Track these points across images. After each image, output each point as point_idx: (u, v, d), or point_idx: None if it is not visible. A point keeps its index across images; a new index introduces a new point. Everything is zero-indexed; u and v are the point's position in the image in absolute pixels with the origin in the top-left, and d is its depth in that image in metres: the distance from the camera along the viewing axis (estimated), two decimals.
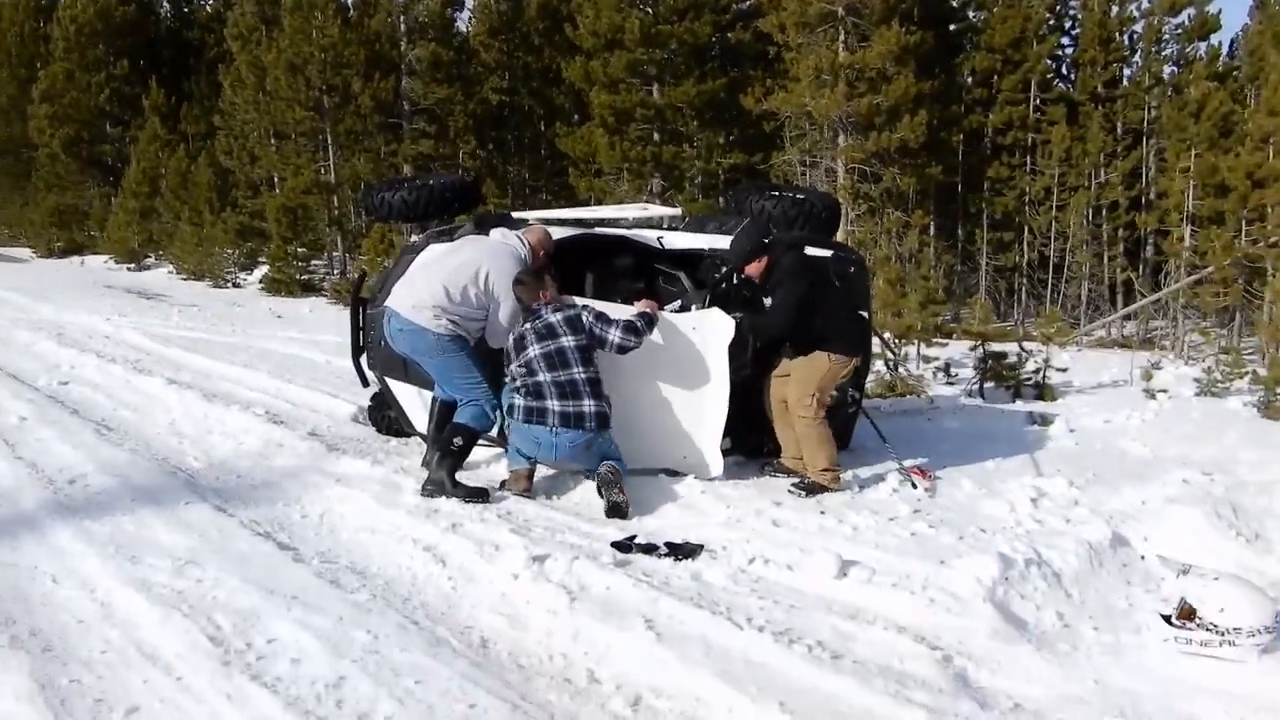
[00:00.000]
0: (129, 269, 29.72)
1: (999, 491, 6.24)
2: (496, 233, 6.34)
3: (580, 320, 5.91)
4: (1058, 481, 6.40)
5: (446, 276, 5.97)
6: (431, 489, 5.78)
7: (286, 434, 7.22)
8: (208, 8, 40.97)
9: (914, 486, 6.29)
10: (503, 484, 5.99)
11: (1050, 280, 21.80)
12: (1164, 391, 10.32)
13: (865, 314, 7.00)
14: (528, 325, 5.90)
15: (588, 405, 5.77)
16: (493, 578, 4.65)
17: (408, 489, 5.93)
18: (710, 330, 6.04)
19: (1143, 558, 5.22)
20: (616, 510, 5.55)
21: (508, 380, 5.97)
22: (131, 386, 9.11)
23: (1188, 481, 6.41)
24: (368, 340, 7.07)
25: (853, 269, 6.95)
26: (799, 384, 6.20)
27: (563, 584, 4.51)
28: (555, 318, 5.89)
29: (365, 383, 7.24)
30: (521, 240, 6.25)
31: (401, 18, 27.01)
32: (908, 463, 6.59)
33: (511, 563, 4.70)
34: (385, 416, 7.35)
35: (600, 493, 5.67)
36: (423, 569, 4.81)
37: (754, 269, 6.23)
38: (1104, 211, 22.40)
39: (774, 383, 6.40)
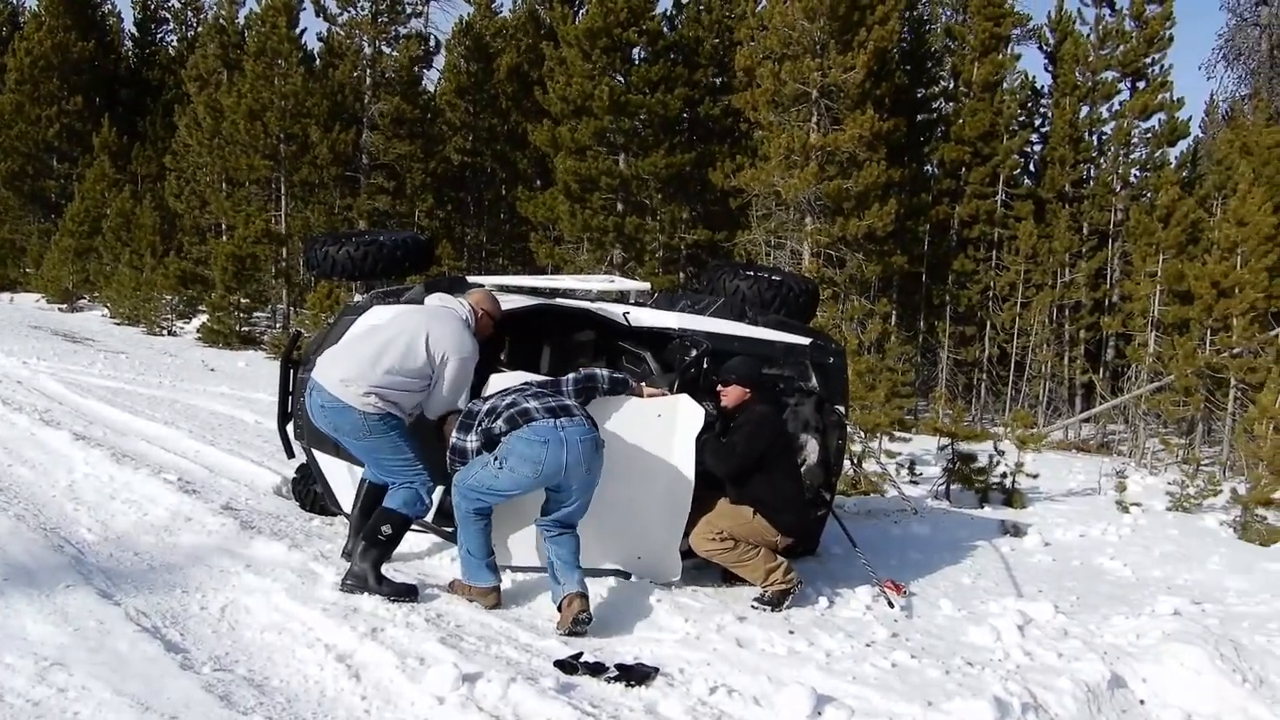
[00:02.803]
0: (60, 309, 28.55)
1: (981, 614, 5.79)
2: (434, 298, 5.67)
3: (532, 381, 5.38)
4: (1043, 606, 5.94)
5: (379, 348, 5.26)
6: (353, 584, 5.09)
7: (197, 506, 6.48)
8: (170, 49, 40.43)
9: (890, 604, 5.77)
10: (452, 584, 5.30)
11: (1011, 378, 21.57)
12: (1137, 505, 9.94)
13: (841, 408, 6.51)
14: (485, 402, 5.21)
15: (579, 413, 5.11)
16: (414, 699, 4.01)
17: (326, 581, 5.25)
18: (678, 418, 5.47)
19: (1142, 702, 4.78)
20: (578, 625, 4.86)
21: (472, 443, 5.15)
22: (35, 440, 8.30)
23: (1180, 613, 6.00)
24: (296, 406, 6.39)
25: (832, 359, 6.50)
26: (708, 518, 5.62)
27: (495, 713, 3.88)
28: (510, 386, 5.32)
29: (290, 453, 6.56)
30: (462, 303, 5.59)
31: (367, 71, 26.66)
32: (879, 574, 6.08)
33: (437, 682, 4.06)
34: (311, 491, 6.70)
35: (560, 602, 4.96)
36: (333, 684, 4.13)
37: (734, 396, 5.77)
38: (1067, 311, 22.30)
39: None
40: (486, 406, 5.14)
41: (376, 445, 5.27)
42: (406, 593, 5.08)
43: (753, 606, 5.49)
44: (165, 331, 24.61)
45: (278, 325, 25.26)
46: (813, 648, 4.95)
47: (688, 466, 5.44)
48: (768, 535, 5.62)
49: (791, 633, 5.14)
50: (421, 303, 5.69)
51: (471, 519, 5.14)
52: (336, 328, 6.09)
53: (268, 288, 25.99)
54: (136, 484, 6.95)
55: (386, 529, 5.21)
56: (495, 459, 5.02)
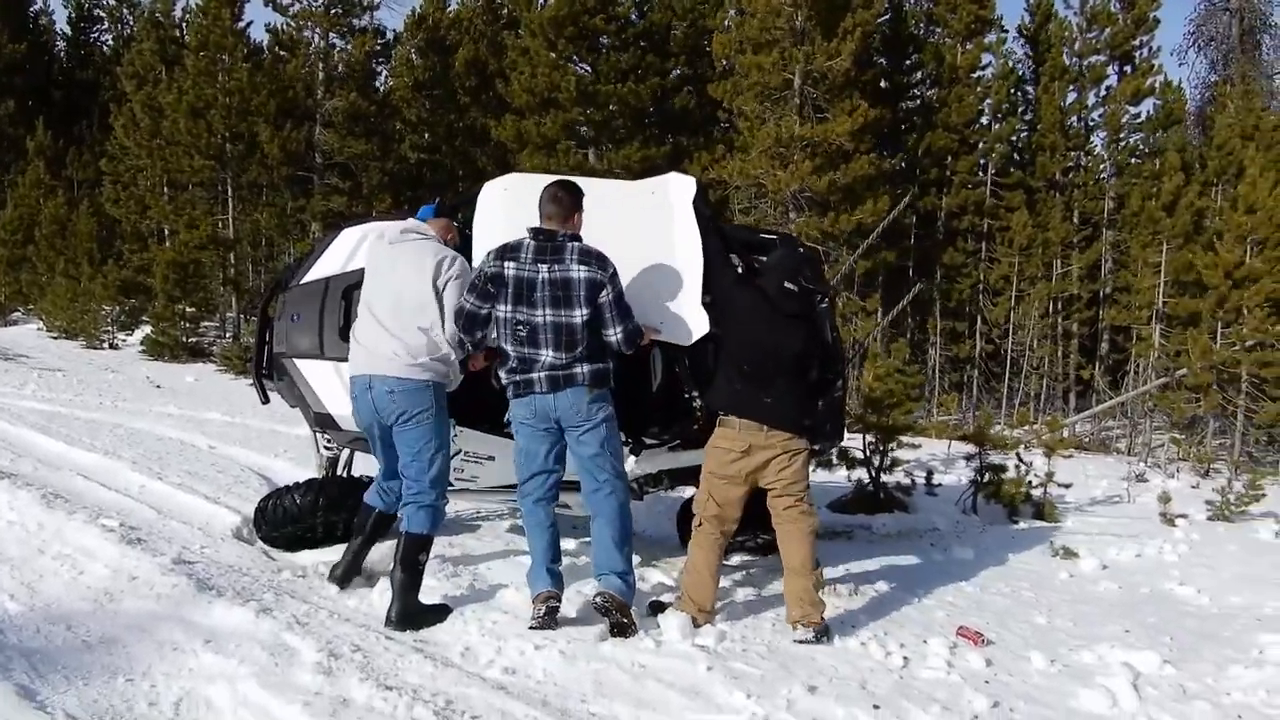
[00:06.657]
0: None
1: (1080, 669, 4.97)
2: (399, 248, 5.33)
3: (599, 286, 4.90)
4: (1147, 655, 5.12)
5: (407, 311, 5.09)
6: (404, 623, 4.88)
7: (143, 560, 5.41)
8: (105, 48, 38.85)
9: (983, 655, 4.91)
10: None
11: (1007, 375, 20.82)
12: (1183, 517, 9.17)
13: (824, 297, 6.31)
14: (544, 269, 4.88)
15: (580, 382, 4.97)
16: None
17: (306, 660, 4.26)
18: (670, 190, 5.84)
19: None
20: (620, 631, 4.83)
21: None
22: None
23: None
24: (270, 350, 6.25)
25: (802, 249, 6.64)
26: None
27: None
28: (579, 272, 4.87)
29: (265, 398, 6.44)
30: (419, 230, 5.43)
31: (320, 65, 25.38)
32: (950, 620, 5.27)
33: None
34: (280, 508, 6.19)
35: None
36: None
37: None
38: (1060, 304, 21.59)
39: None
40: (539, 321, 4.89)
41: (436, 426, 5.10)
42: (445, 611, 5.06)
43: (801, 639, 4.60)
44: (106, 345, 23.31)
45: (227, 335, 24.00)
46: None
47: (691, 231, 5.65)
48: (726, 450, 5.24)
49: (877, 707, 4.23)
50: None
51: (530, 517, 5.11)
52: (313, 253, 6.32)
53: (215, 296, 24.77)
54: (70, 533, 5.87)
55: (423, 556, 5.15)
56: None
